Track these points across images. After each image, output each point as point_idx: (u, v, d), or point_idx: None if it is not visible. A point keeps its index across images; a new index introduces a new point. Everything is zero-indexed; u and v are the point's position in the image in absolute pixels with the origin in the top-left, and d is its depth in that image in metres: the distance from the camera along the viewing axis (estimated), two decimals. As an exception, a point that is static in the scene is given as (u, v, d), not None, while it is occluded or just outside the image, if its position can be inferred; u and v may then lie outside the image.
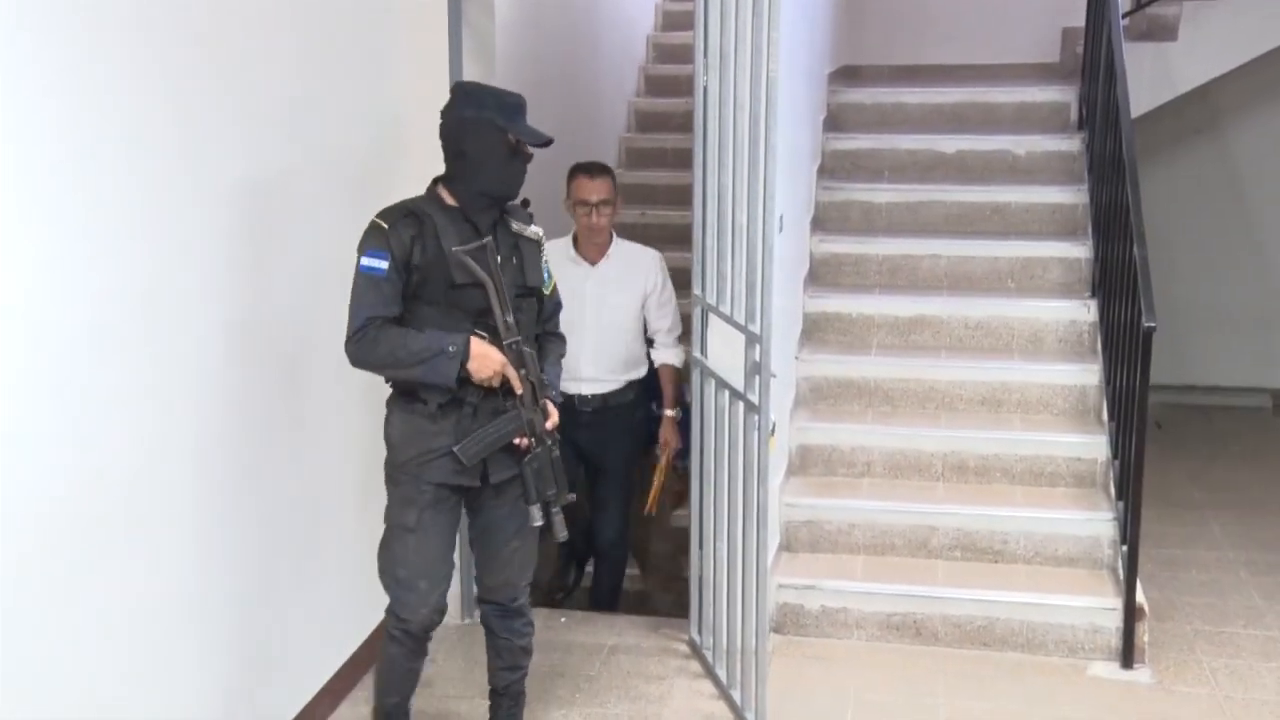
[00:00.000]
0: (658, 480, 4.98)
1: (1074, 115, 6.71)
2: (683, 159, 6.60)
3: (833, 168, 6.67)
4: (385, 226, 3.26)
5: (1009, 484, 5.27)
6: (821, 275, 6.17)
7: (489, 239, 3.36)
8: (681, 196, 6.28)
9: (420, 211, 3.30)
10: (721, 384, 4.20)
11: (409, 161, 4.37)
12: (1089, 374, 5.47)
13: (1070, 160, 6.47)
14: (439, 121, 3.37)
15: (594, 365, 4.80)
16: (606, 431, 4.87)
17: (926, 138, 6.68)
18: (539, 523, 3.41)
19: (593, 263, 4.80)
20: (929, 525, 5.07)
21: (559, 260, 4.55)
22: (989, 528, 5.04)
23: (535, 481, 3.37)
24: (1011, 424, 5.42)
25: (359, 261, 3.25)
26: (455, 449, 3.32)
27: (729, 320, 4.10)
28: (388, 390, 3.45)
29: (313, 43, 3.73)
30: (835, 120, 6.92)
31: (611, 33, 8.05)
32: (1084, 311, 5.70)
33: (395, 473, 3.42)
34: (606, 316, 4.78)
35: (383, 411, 3.46)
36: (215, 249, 3.34)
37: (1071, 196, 6.24)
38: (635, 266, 4.83)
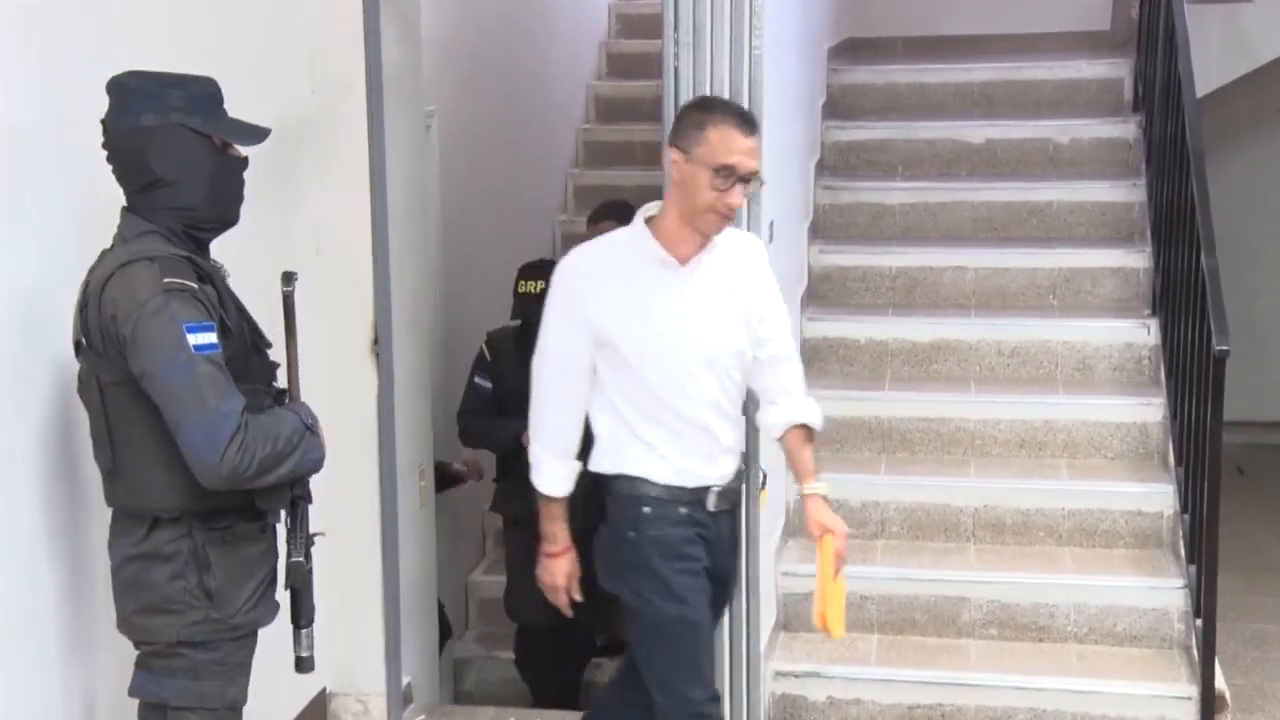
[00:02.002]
0: (841, 585, 3.74)
1: (1128, 94, 6.84)
2: (653, 154, 6.65)
3: (834, 163, 6.76)
4: (194, 286, 2.92)
5: (1055, 544, 5.35)
6: (822, 293, 6.25)
7: (296, 274, 3.30)
8: (652, 200, 6.34)
9: (195, 261, 3.00)
10: (701, 427, 4.25)
11: (307, 165, 4.42)
12: (1150, 409, 5.56)
13: (1124, 149, 6.58)
14: (104, 137, 3.02)
15: (727, 430, 3.70)
16: (735, 538, 3.88)
17: (949, 124, 6.79)
18: (309, 653, 3.31)
19: (683, 261, 3.62)
20: (958, 596, 5.14)
21: (634, 262, 3.61)
22: (1032, 599, 5.10)
23: (309, 597, 3.27)
24: (1057, 471, 5.51)
25: (181, 342, 2.85)
26: (298, 560, 3.18)
27: (709, 349, 4.15)
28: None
29: (189, 21, 3.77)
30: (837, 105, 7.02)
31: (565, 1, 8.12)
32: (1143, 333, 5.80)
33: (217, 636, 3.08)
34: (720, 345, 3.63)
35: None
36: (74, 255, 3.34)
37: (1126, 193, 6.35)
38: (739, 262, 3.73)
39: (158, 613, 3.05)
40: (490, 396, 5.16)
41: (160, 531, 3.03)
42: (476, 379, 5.19)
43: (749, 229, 3.90)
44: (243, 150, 3.14)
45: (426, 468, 4.92)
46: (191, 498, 2.98)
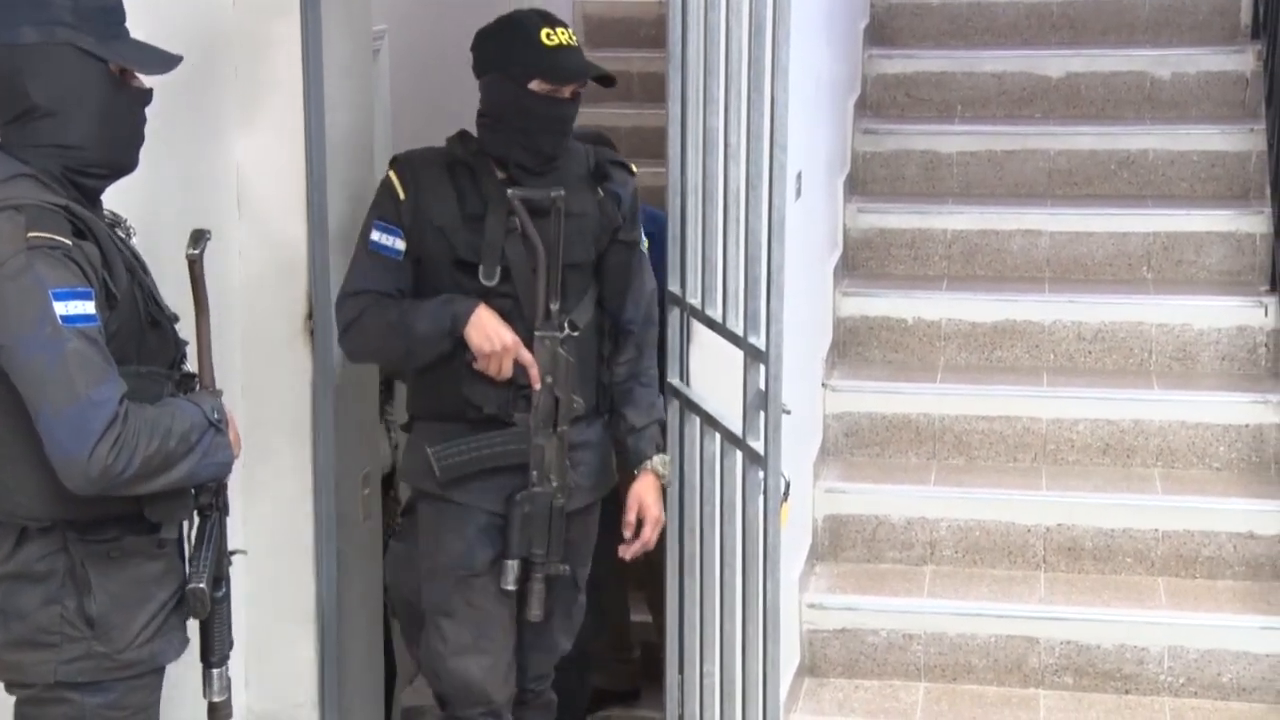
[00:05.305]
0: None
1: (1246, 17, 6.91)
2: (653, 89, 6.71)
3: (878, 101, 6.87)
4: (66, 243, 2.93)
5: (1146, 574, 5.45)
6: (861, 262, 6.35)
7: (208, 233, 3.31)
8: (651, 145, 6.39)
9: (74, 211, 3.01)
10: (709, 423, 4.31)
11: (227, 99, 4.49)
12: (1267, 409, 5.67)
13: (1239, 86, 6.68)
14: None
15: None
16: None
17: (1021, 54, 6.90)
18: (223, 697, 3.34)
19: None
20: (1025, 637, 5.24)
21: None
22: (1116, 641, 5.21)
23: (221, 630, 3.32)
24: (1149, 484, 5.61)
25: (46, 312, 2.87)
26: (199, 586, 3.18)
27: (720, 330, 4.22)
28: None
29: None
30: (883, 29, 7.12)
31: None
32: (1259, 314, 5.90)
33: (106, 676, 3.11)
34: None
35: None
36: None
37: (1241, 141, 6.45)
38: None
39: (30, 646, 3.05)
40: (399, 264, 4.04)
41: (30, 545, 3.04)
42: (376, 234, 4.05)
43: (772, 185, 3.97)
44: (146, 81, 3.14)
45: (372, 472, 4.97)
46: (64, 504, 2.97)
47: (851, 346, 6.09)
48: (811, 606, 5.31)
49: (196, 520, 3.24)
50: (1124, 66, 6.79)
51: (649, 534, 4.22)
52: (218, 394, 3.26)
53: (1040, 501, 5.53)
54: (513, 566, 4.01)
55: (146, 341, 3.12)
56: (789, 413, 4.07)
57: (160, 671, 3.19)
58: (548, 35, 3.94)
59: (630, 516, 4.19)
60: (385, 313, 3.95)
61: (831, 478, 5.68)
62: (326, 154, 4.58)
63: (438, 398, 4.06)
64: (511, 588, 4.01)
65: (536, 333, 3.93)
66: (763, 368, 4.02)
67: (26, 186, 2.98)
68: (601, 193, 4.10)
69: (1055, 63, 6.83)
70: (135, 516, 3.08)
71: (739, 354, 4.10)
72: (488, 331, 3.87)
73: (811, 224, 5.38)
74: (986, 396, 5.81)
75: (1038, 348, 6.00)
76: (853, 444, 5.85)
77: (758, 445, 4.06)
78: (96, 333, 2.91)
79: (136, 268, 3.14)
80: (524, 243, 3.93)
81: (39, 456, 2.93)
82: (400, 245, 3.98)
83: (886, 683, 5.28)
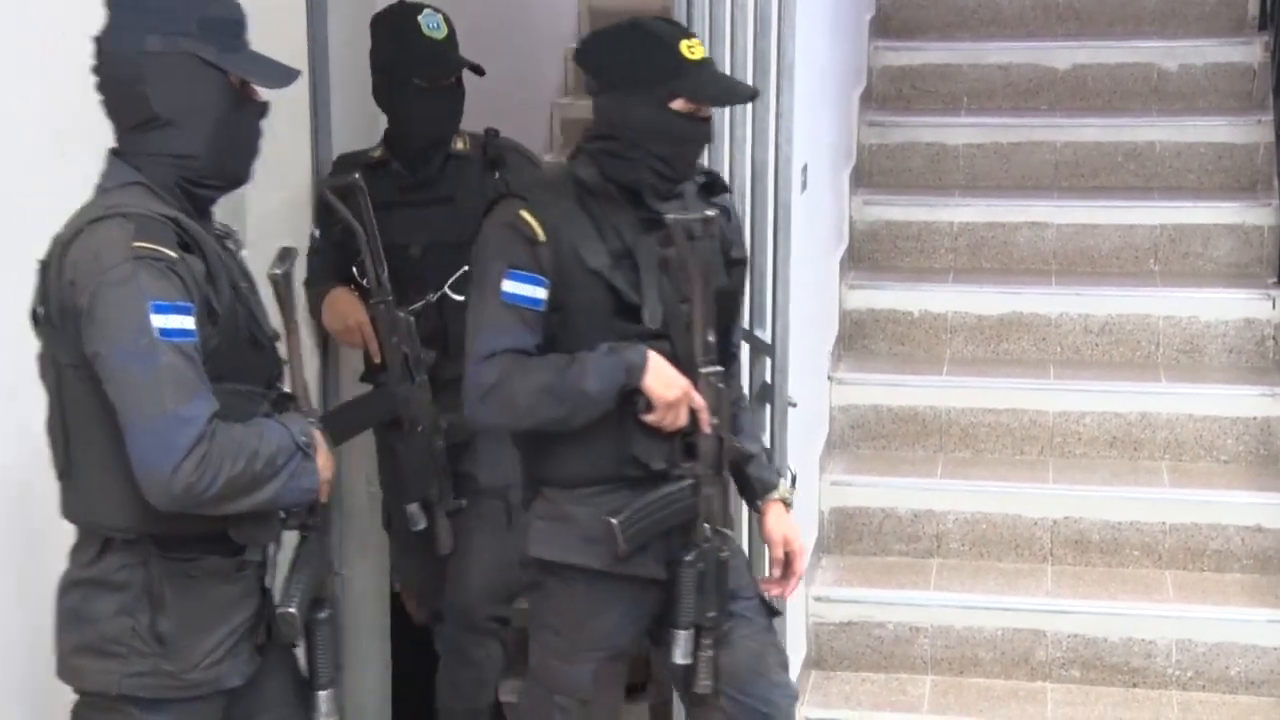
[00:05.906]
0: None
1: (1253, 8, 6.91)
2: (658, 80, 6.70)
3: (884, 93, 6.87)
4: (171, 255, 2.92)
5: (1154, 567, 5.46)
6: (867, 254, 6.36)
7: (295, 250, 3.30)
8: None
9: (182, 224, 3.00)
10: (716, 418, 4.35)
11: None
12: (1275, 401, 5.68)
13: (1247, 77, 6.68)
14: (96, 60, 3.04)
15: None
16: None
17: (1027, 46, 6.90)
18: None
19: None
20: (1032, 630, 5.25)
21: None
22: (1124, 634, 5.22)
23: (325, 652, 3.29)
24: (1157, 477, 5.62)
25: (144, 324, 2.86)
26: (288, 610, 3.13)
27: (726, 322, 4.26)
28: None
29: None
30: (888, 21, 7.13)
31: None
32: (1266, 307, 5.91)
33: (167, 694, 3.08)
34: None
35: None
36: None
37: (1248, 133, 6.45)
38: None
39: (97, 654, 3.04)
40: (539, 316, 3.52)
41: (112, 555, 3.04)
42: (510, 284, 3.51)
43: (777, 178, 3.98)
44: (264, 94, 3.13)
45: (372, 474, 4.95)
46: (149, 517, 2.95)
47: (857, 339, 6.10)
48: (818, 599, 5.32)
49: (296, 540, 3.22)
50: (1131, 58, 6.79)
51: (801, 567, 3.80)
52: (311, 415, 3.23)
53: (1047, 494, 5.55)
54: (686, 637, 3.52)
55: (245, 359, 3.10)
56: (795, 405, 4.10)
57: (223, 695, 3.13)
58: (689, 48, 3.50)
59: (778, 553, 3.75)
60: (532, 375, 3.44)
61: (837, 471, 5.69)
62: (331, 135, 4.60)
63: (592, 461, 3.55)
64: (685, 661, 3.53)
65: (701, 370, 3.47)
66: (768, 361, 4.05)
67: (137, 195, 2.98)
68: (714, 210, 3.62)
69: (1062, 54, 6.83)
70: (219, 536, 3.06)
71: (745, 347, 4.12)
72: (669, 378, 3.44)
73: (817, 217, 5.39)
74: (993, 389, 5.82)
75: (1044, 340, 6.01)
76: (859, 437, 5.86)
77: (764, 438, 4.08)
78: (193, 349, 2.89)
79: (240, 284, 3.13)
80: (671, 274, 3.51)
81: (127, 469, 2.91)
82: (541, 294, 3.47)
83: (893, 676, 5.29)
